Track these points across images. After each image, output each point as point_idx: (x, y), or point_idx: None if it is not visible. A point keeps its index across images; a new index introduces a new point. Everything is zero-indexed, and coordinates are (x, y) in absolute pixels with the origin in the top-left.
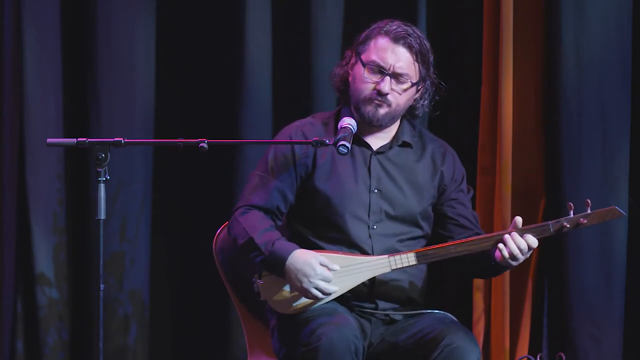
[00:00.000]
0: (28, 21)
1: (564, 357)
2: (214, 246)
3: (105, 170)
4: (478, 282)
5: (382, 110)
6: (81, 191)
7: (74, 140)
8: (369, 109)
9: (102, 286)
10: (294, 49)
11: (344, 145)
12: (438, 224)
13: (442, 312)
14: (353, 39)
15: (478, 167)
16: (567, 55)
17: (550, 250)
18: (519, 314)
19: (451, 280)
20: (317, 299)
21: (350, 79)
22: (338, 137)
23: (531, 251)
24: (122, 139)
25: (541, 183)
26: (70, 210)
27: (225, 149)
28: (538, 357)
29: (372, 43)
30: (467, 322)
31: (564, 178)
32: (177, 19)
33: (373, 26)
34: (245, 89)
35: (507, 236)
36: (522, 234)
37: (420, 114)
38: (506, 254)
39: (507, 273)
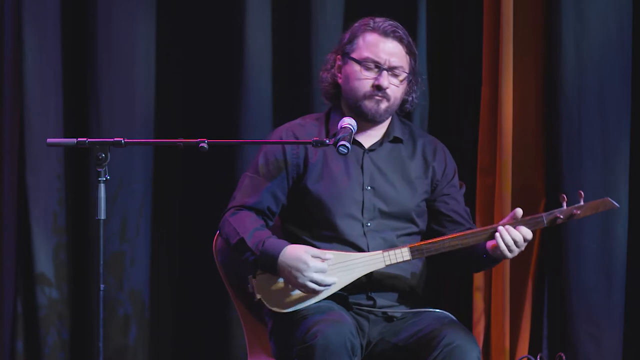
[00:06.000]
0: (28, 21)
1: (564, 357)
2: (213, 246)
3: (105, 170)
4: (478, 282)
5: (383, 105)
6: (81, 191)
7: (74, 140)
8: (370, 105)
9: (102, 286)
10: (294, 49)
11: (344, 145)
12: (431, 220)
13: (441, 310)
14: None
15: (478, 167)
16: (567, 55)
17: (550, 250)
18: (519, 314)
19: (451, 280)
20: (315, 292)
21: (341, 80)
22: (338, 137)
23: (526, 243)
24: (122, 139)
25: (541, 183)
26: (70, 210)
27: (225, 149)
28: (538, 357)
29: (360, 41)
30: (467, 322)
31: (564, 178)
32: (177, 19)
33: (355, 25)
34: (246, 88)
35: (501, 228)
36: (515, 226)
37: (410, 109)
38: (502, 245)
39: (507, 273)
